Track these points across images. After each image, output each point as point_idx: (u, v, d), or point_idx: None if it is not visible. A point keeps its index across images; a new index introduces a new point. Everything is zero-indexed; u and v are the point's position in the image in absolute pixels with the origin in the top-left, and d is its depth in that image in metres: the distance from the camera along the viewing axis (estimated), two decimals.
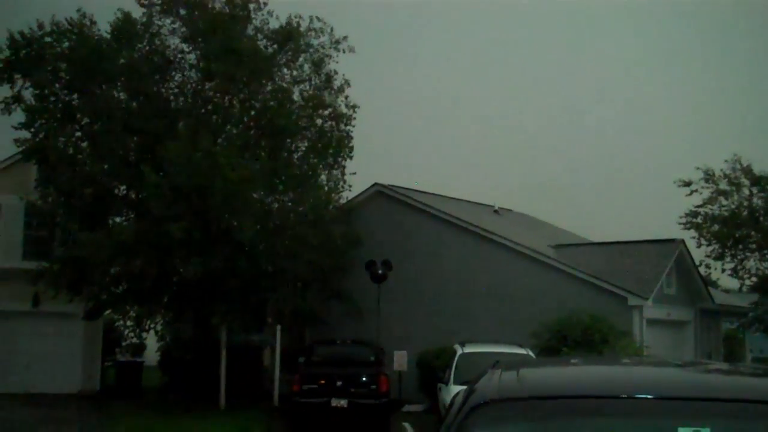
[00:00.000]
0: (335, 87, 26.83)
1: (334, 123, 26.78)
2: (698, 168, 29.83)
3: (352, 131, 27.05)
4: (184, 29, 25.36)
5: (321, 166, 26.51)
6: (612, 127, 75.94)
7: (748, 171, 29.58)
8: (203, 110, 25.34)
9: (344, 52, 26.49)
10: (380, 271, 26.65)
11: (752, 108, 78.14)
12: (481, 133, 77.88)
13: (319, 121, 26.75)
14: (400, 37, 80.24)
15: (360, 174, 28.17)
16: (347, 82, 26.90)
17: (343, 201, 27.90)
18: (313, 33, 26.22)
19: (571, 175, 72.13)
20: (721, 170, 29.79)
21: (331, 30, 26.29)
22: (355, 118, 27.07)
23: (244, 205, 22.88)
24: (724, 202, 29.95)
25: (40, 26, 24.51)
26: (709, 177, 29.74)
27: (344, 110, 26.86)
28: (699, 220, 30.05)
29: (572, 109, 77.27)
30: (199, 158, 22.17)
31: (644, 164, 74.65)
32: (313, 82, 26.80)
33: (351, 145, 26.93)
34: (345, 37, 26.45)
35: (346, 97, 26.97)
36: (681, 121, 75.77)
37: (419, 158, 73.33)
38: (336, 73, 26.85)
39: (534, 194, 67.75)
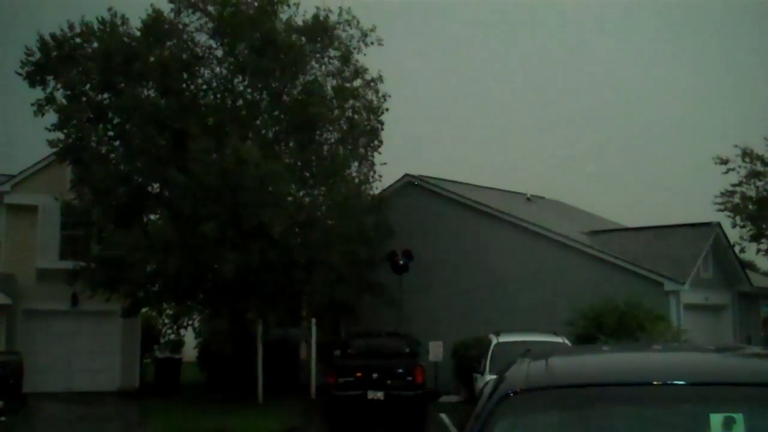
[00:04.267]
0: (367, 80, 26.82)
1: (365, 114, 26.79)
2: (736, 146, 29.49)
3: (382, 123, 27.09)
4: (211, 25, 25.44)
5: (351, 157, 26.53)
6: (644, 110, 75.23)
7: None
8: (233, 105, 25.41)
9: (372, 44, 26.46)
10: (401, 262, 26.75)
11: None
12: (512, 120, 77.47)
13: (350, 112, 26.75)
14: (427, 25, 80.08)
15: (391, 165, 28.17)
16: (381, 78, 26.91)
17: (374, 192, 27.89)
18: (341, 26, 26.21)
19: (603, 160, 71.57)
20: (756, 152, 29.45)
21: (358, 23, 26.26)
22: (387, 110, 27.09)
23: (274, 200, 22.90)
24: (759, 183, 29.61)
25: (71, 27, 24.72)
26: (746, 154, 29.39)
27: (375, 101, 26.87)
28: (736, 199, 29.69)
29: (603, 94, 76.65)
30: (225, 156, 22.25)
31: (677, 147, 73.91)
32: (344, 75, 26.75)
33: (380, 138, 26.99)
34: (373, 29, 26.42)
35: (377, 91, 26.94)
36: (715, 103, 74.85)
37: (450, 148, 73.18)
38: (367, 69, 26.85)
39: (566, 180, 67.29)
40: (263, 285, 23.79)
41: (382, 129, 27.11)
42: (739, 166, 29.62)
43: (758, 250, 30.23)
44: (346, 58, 26.56)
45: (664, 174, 71.83)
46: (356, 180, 26.77)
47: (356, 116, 26.76)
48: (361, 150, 26.87)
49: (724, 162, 29.56)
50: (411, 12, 79.45)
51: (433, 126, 77.22)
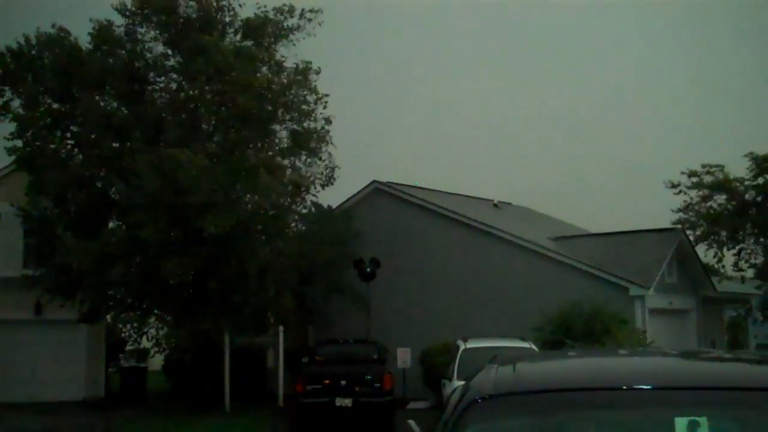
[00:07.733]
0: (307, 73, 25.75)
1: (310, 120, 26.09)
2: (683, 173, 30.17)
3: (327, 120, 26.32)
4: (165, 35, 25.26)
5: (291, 158, 25.99)
6: (610, 117, 75.90)
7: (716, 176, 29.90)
8: (185, 113, 25.05)
9: (317, 23, 25.53)
10: (368, 269, 26.70)
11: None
12: (478, 127, 77.77)
13: (291, 112, 26.02)
14: (390, 34, 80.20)
15: (359, 173, 27.95)
16: (317, 69, 25.87)
17: (317, 193, 27.33)
18: (283, 17, 25.57)
19: (569, 167, 72.07)
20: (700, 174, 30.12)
21: (293, 8, 25.52)
22: (322, 111, 26.13)
23: (212, 201, 22.53)
24: (713, 203, 30.25)
25: (27, 41, 24.63)
26: (693, 173, 30.01)
27: (312, 97, 26.08)
28: (691, 215, 30.28)
29: (569, 101, 77.21)
30: (163, 161, 22.10)
31: (642, 155, 74.59)
32: (285, 71, 26.00)
33: (329, 132, 26.17)
34: (313, 10, 25.55)
35: (312, 90, 26.04)
36: (680, 113, 75.65)
37: (417, 155, 73.25)
38: (310, 64, 26.01)
39: (533, 187, 67.61)
40: (213, 292, 23.49)
41: (327, 128, 26.14)
42: (689, 188, 30.34)
43: (720, 257, 30.65)
44: (278, 64, 25.94)
45: (632, 182, 72.40)
46: (304, 181, 26.15)
47: (302, 121, 26.08)
48: (307, 150, 26.08)
49: (675, 186, 30.26)
50: (373, 17, 79.60)
51: (399, 133, 77.34)
